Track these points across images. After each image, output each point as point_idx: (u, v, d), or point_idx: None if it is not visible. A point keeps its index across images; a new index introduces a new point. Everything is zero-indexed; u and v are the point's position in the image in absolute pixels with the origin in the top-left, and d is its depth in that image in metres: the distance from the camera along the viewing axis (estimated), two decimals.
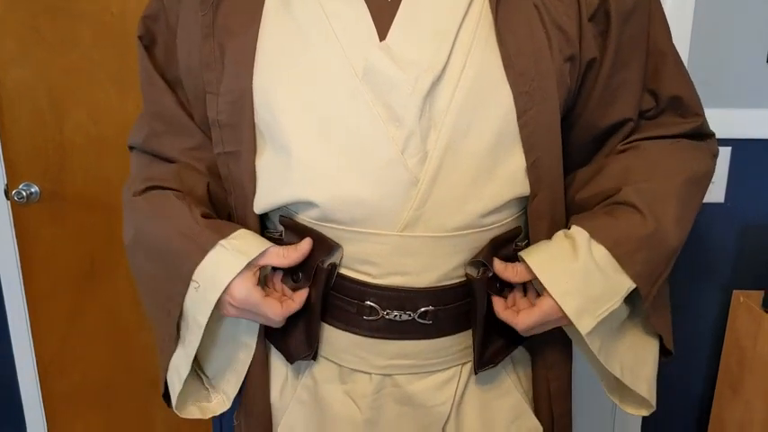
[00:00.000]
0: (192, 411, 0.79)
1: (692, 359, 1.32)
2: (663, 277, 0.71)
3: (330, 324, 0.74)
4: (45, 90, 1.68)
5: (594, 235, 0.69)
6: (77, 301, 1.86)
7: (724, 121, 1.16)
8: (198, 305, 0.69)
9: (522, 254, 0.70)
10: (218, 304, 0.69)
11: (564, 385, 0.81)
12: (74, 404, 1.97)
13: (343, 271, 0.71)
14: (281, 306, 0.69)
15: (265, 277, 0.73)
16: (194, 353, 0.72)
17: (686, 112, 0.75)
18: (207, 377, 0.81)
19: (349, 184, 0.67)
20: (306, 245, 0.70)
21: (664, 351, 0.78)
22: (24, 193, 1.72)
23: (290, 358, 0.75)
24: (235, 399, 0.82)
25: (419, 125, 0.65)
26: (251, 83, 0.68)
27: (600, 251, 0.68)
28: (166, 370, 0.76)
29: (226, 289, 0.67)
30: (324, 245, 0.70)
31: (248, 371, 0.80)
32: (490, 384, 0.78)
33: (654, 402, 0.77)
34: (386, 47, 0.66)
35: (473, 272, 0.71)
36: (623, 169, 0.74)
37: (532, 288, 0.72)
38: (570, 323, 0.68)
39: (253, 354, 0.77)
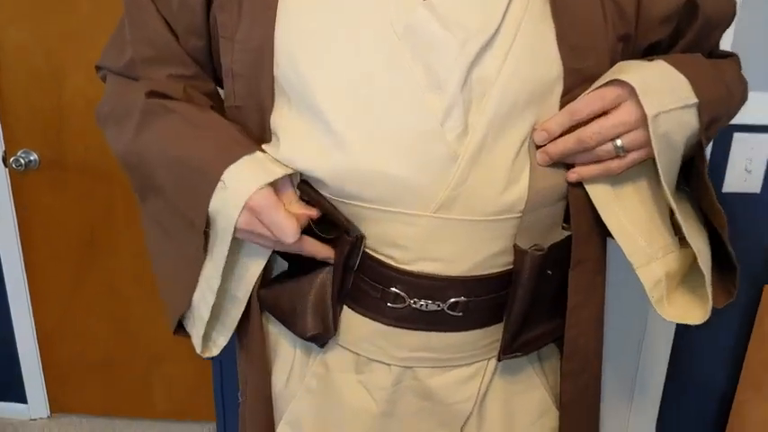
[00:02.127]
0: (213, 349, 0.75)
1: (716, 354, 1.28)
2: (714, 109, 0.64)
3: (350, 308, 0.69)
4: (43, 53, 1.66)
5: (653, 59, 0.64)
6: (78, 271, 1.86)
7: (764, 106, 1.11)
8: (225, 206, 0.62)
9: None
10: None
11: (592, 391, 0.76)
12: (74, 375, 1.99)
13: (369, 252, 0.65)
14: (294, 217, 0.63)
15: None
16: (223, 263, 0.66)
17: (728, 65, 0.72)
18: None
19: (379, 156, 0.61)
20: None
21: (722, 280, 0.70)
22: (23, 161, 1.71)
23: (302, 333, 0.69)
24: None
25: (462, 95, 0.60)
26: (272, 33, 0.63)
27: (659, 62, 0.62)
28: (185, 299, 0.71)
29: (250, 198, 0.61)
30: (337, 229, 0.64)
31: (250, 352, 0.76)
32: (515, 378, 0.73)
33: (711, 299, 0.66)
34: (431, 5, 0.60)
35: (523, 243, 0.64)
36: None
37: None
38: (639, 124, 0.60)
39: (242, 310, 0.71)
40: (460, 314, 0.66)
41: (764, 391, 1.18)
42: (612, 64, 0.63)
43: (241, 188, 0.61)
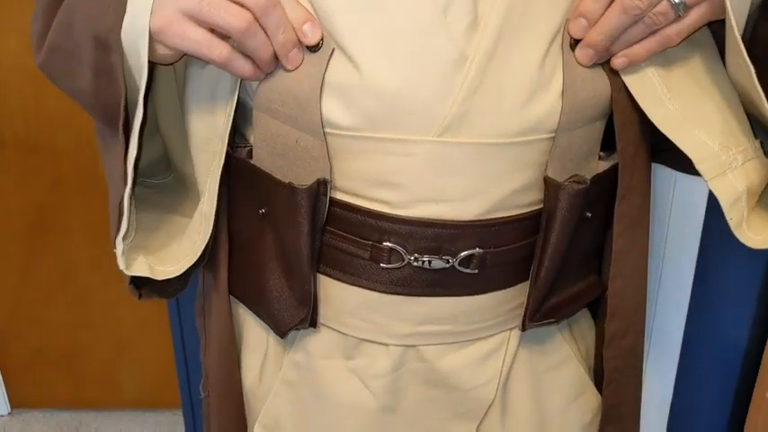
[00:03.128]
0: (141, 266, 0.57)
1: (736, 307, 1.22)
2: None
3: (329, 276, 0.57)
4: None
5: None
6: (28, 257, 1.82)
7: None
8: (134, 20, 0.48)
9: None
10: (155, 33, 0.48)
11: (637, 355, 0.65)
12: (34, 369, 1.96)
13: (349, 199, 0.53)
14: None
15: None
16: (142, 101, 0.50)
17: None
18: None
19: (366, 64, 0.49)
20: None
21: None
22: None
23: (280, 328, 0.58)
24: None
25: None
26: None
27: None
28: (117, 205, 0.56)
29: None
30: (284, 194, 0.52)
31: (211, 337, 0.65)
32: (543, 350, 0.62)
33: None
34: None
35: (558, 176, 0.54)
36: None
37: None
38: None
39: (210, 231, 0.57)
40: (476, 271, 0.54)
41: None
42: None
43: None
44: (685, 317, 1.26)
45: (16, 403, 1.99)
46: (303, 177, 0.52)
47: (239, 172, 0.57)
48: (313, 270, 0.55)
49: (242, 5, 0.47)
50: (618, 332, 0.62)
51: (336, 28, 0.49)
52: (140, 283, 0.59)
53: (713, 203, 0.67)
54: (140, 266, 0.56)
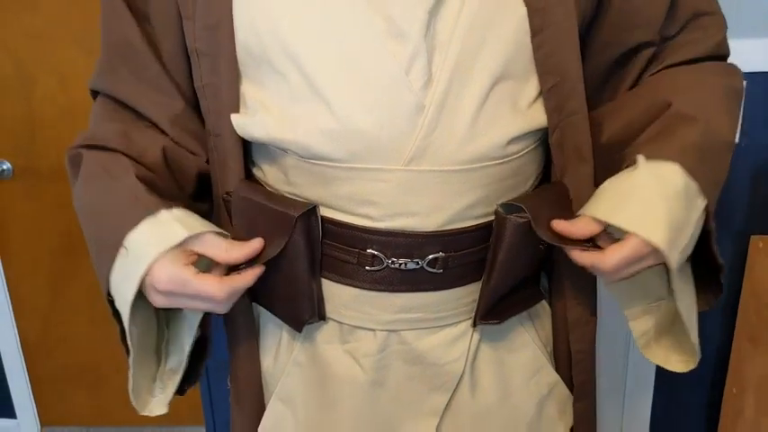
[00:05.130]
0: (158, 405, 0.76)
1: (709, 311, 1.27)
2: (718, 191, 0.66)
3: (327, 278, 0.68)
4: (9, 57, 1.64)
5: (661, 156, 0.62)
6: (58, 279, 1.86)
7: (737, 53, 1.10)
8: (124, 277, 0.61)
9: (582, 210, 0.64)
10: (144, 288, 0.61)
11: (587, 347, 0.75)
12: (62, 385, 1.98)
13: (339, 216, 0.64)
14: (221, 281, 0.60)
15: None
16: (127, 334, 0.65)
17: (709, 27, 0.70)
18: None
19: (348, 112, 0.60)
20: (257, 244, 0.62)
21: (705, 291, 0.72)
22: None
23: (298, 326, 0.69)
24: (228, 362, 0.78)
25: (424, 43, 0.59)
26: (230, 6, 0.63)
27: (672, 171, 0.61)
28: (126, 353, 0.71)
29: (148, 270, 0.59)
30: (283, 222, 0.62)
31: (236, 336, 0.75)
32: (505, 338, 0.72)
33: (698, 350, 0.70)
34: None
35: (504, 210, 0.64)
36: (662, 86, 0.68)
37: (605, 236, 0.65)
38: (659, 260, 0.61)
39: (193, 336, 0.69)
40: (440, 271, 0.65)
41: (761, 343, 1.18)
42: (577, 3, 0.63)
43: (143, 255, 0.60)
44: None
45: (46, 420, 2.00)
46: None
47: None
48: (317, 276, 0.67)
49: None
50: (581, 320, 0.73)
51: (320, 85, 0.60)
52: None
53: None
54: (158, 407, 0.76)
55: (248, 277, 0.62)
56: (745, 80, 1.11)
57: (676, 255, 0.60)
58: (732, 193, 1.22)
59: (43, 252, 1.82)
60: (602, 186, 0.64)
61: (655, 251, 0.59)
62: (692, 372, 1.20)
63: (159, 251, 0.59)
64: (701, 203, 0.62)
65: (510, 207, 0.64)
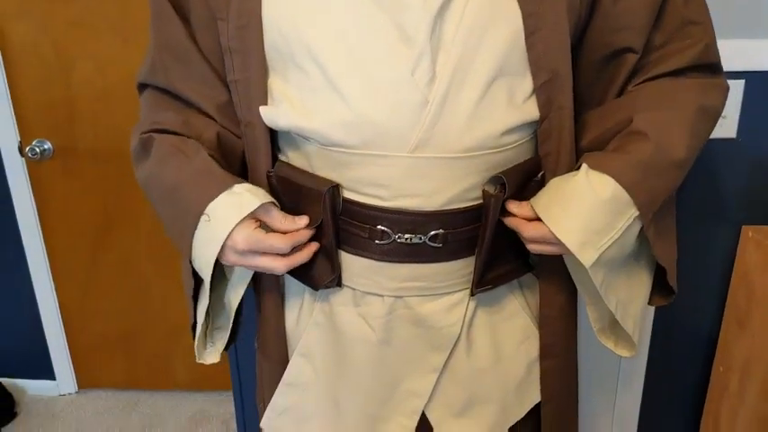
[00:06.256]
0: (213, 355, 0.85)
1: (700, 295, 1.30)
2: (659, 203, 0.72)
3: (343, 250, 0.75)
4: (50, 44, 1.68)
5: (600, 168, 0.70)
6: (95, 251, 1.90)
7: (736, 53, 1.10)
8: (207, 241, 0.71)
9: (532, 199, 0.73)
10: (221, 250, 0.71)
11: (569, 307, 0.83)
12: (98, 351, 2.03)
13: (353, 196, 0.72)
14: (286, 236, 0.71)
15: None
16: (208, 296, 0.75)
17: (695, 35, 0.74)
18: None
19: (363, 104, 0.67)
20: (302, 221, 0.72)
21: (667, 288, 0.80)
22: (38, 150, 1.75)
23: (316, 286, 0.77)
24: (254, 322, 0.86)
25: (429, 45, 0.66)
26: (259, 8, 0.70)
27: (604, 182, 0.69)
28: (193, 310, 0.81)
29: (230, 234, 0.70)
30: (315, 197, 0.71)
31: (263, 300, 0.83)
32: (497, 307, 0.80)
33: (636, 341, 0.80)
34: None
35: (490, 188, 0.72)
36: (632, 102, 0.74)
37: None
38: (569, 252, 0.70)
39: (240, 299, 0.79)
40: (440, 245, 0.72)
41: (748, 326, 1.21)
42: (570, 7, 0.69)
43: (226, 220, 0.69)
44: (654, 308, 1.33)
45: (83, 383, 2.06)
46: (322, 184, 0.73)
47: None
48: (336, 246, 0.74)
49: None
50: (551, 290, 0.81)
51: (337, 81, 0.67)
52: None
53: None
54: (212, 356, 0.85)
55: (303, 229, 0.72)
56: (742, 79, 1.15)
57: (593, 252, 0.68)
58: (728, 186, 1.24)
59: (82, 226, 1.86)
60: (551, 181, 0.73)
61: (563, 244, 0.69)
62: (684, 350, 1.27)
63: (240, 217, 0.69)
64: (633, 212, 0.69)
65: (496, 179, 0.71)
